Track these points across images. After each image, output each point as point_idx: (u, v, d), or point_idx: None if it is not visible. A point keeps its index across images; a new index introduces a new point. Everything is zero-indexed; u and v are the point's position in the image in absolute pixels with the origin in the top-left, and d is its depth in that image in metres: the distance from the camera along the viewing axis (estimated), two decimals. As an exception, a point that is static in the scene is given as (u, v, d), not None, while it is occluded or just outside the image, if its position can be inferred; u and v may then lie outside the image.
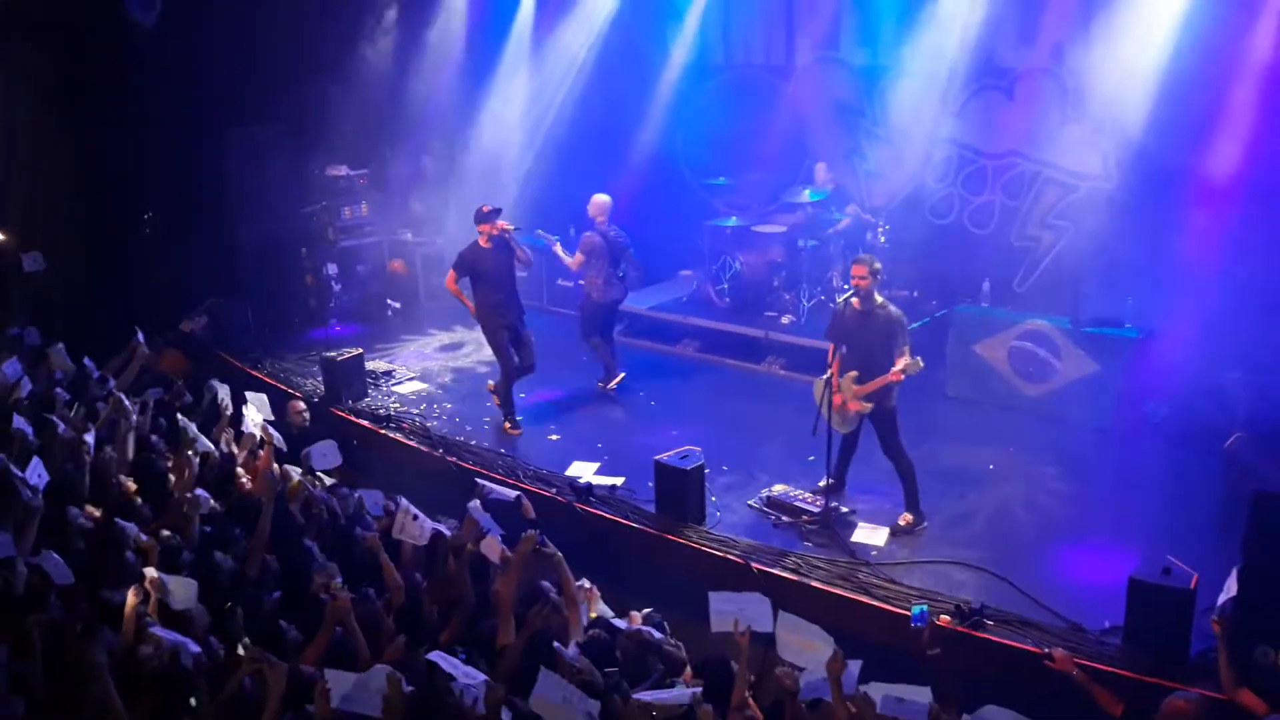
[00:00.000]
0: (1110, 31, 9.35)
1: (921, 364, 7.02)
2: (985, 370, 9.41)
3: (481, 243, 8.93)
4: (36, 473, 6.20)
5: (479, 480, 7.10)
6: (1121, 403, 8.61)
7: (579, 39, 12.56)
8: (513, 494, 6.85)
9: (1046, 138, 10.27)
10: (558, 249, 10.22)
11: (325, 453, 7.27)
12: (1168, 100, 8.93)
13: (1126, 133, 9.41)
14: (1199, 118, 8.74)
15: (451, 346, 11.55)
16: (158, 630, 4.51)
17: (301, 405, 8.79)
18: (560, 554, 5.70)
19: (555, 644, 4.83)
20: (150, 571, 5.22)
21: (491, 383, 9.60)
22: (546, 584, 5.56)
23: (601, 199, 9.95)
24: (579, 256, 9.94)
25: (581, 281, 10.39)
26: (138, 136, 11.05)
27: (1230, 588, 5.39)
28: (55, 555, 5.37)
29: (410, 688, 4.19)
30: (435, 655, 4.50)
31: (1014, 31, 10.15)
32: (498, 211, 8.98)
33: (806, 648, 4.88)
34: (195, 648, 4.54)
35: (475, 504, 6.16)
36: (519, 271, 9.28)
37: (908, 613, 6.00)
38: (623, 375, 10.09)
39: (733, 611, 4.95)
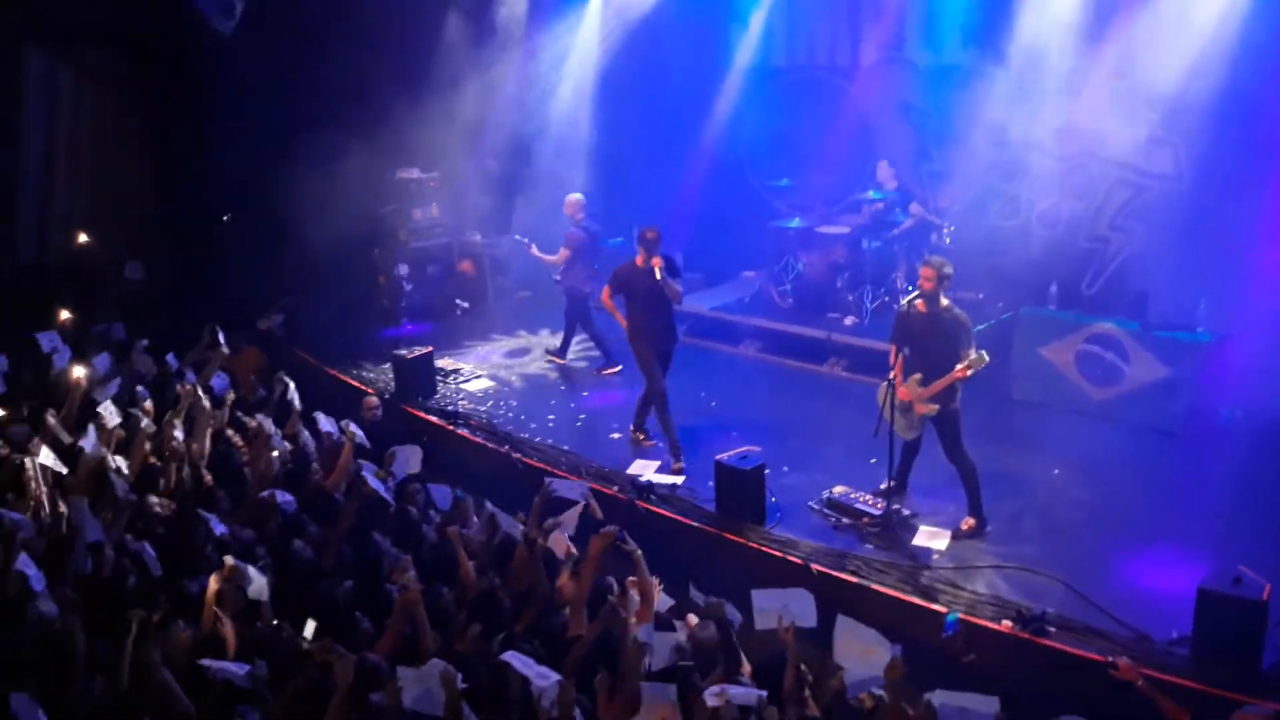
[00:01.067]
0: (1180, 29, 9.17)
1: (987, 358, 6.96)
2: (1052, 374, 9.31)
3: (638, 261, 8.43)
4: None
5: (547, 479, 7.22)
6: (1193, 407, 8.46)
7: (644, 42, 12.65)
8: (580, 488, 6.94)
9: (1116, 137, 10.09)
10: (534, 250, 10.61)
11: (408, 457, 7.43)
12: (1240, 97, 8.75)
13: (1198, 131, 9.22)
14: (1273, 115, 8.55)
15: (518, 352, 11.68)
16: (209, 663, 4.59)
17: (374, 400, 9.01)
18: (640, 551, 5.79)
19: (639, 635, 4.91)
20: (229, 560, 5.44)
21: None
22: (609, 579, 5.65)
23: (576, 197, 10.61)
24: (564, 253, 10.38)
25: (557, 277, 10.68)
26: (214, 140, 11.42)
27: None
28: (148, 546, 5.62)
29: (465, 685, 4.29)
30: (509, 655, 4.59)
31: (1083, 30, 9.97)
32: (655, 243, 8.33)
33: (865, 653, 4.90)
34: (243, 670, 4.63)
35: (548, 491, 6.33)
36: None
37: (970, 618, 6.00)
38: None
39: (776, 608, 5.00)
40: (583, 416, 9.75)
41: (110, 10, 11.00)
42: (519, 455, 8.75)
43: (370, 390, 10.03)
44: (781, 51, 12.60)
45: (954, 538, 7.25)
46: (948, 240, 10.80)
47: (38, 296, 10.24)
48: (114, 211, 11.48)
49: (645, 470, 8.44)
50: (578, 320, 10.84)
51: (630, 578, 5.69)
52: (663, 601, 5.88)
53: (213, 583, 5.23)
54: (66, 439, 7.05)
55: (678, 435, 8.48)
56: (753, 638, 5.31)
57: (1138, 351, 8.84)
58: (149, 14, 10.94)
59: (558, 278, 10.69)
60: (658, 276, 8.24)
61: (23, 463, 6.32)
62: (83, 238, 11.12)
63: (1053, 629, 6.05)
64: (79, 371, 7.76)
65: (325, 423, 7.96)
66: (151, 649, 4.52)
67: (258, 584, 5.39)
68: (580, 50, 13.06)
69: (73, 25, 10.97)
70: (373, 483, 6.57)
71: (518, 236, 11.00)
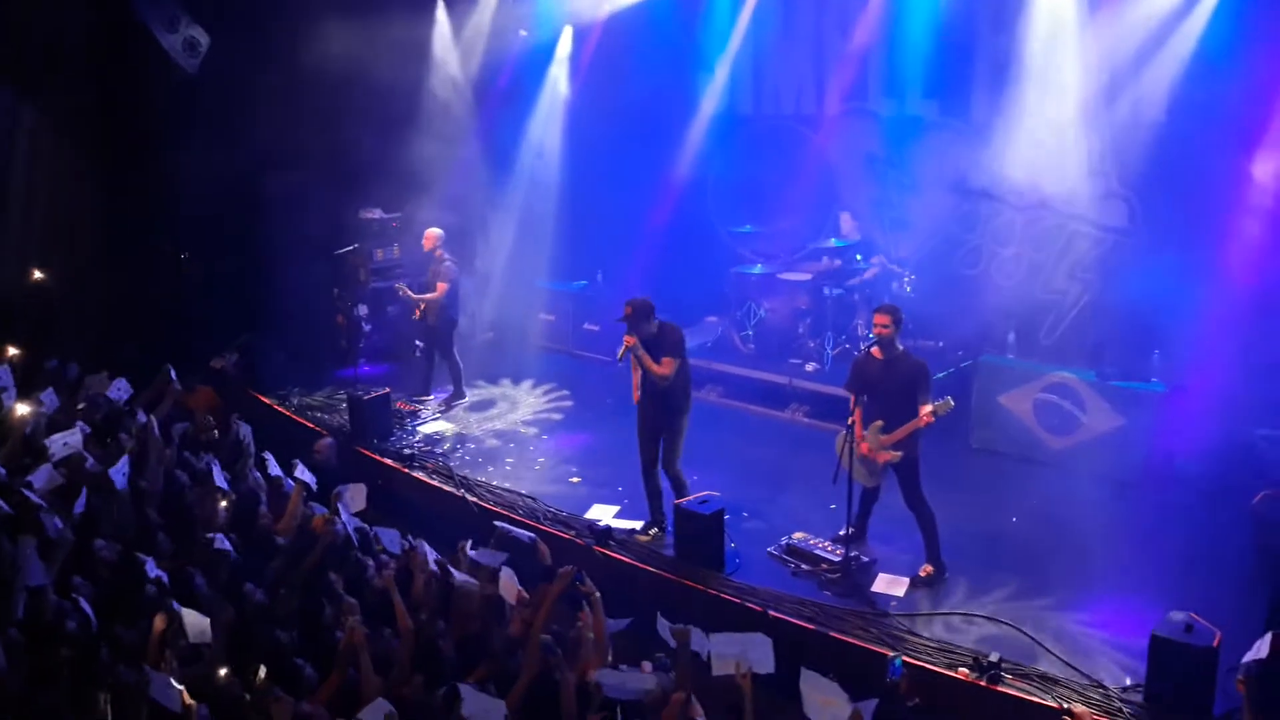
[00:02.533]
0: (1136, 88, 9.40)
1: (952, 403, 7.01)
2: (1010, 422, 9.36)
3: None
4: (79, 504, 6.34)
5: (496, 522, 7.14)
6: (1147, 457, 8.52)
7: (613, 86, 12.77)
8: (529, 535, 6.87)
9: (1074, 190, 10.26)
10: (407, 292, 10.83)
11: (355, 495, 7.34)
12: (1188, 154, 8.97)
13: (1150, 186, 9.42)
14: (1219, 171, 8.75)
15: (481, 401, 11.59)
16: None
17: (326, 442, 8.88)
18: (598, 593, 5.71)
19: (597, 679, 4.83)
20: (174, 605, 5.30)
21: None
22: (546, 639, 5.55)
23: (437, 231, 10.89)
24: (442, 287, 10.60)
25: (422, 309, 10.78)
26: (175, 178, 11.32)
27: (1260, 649, 5.29)
28: (83, 601, 5.46)
29: None
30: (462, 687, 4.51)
31: (1043, 85, 10.17)
32: (630, 319, 7.69)
33: (826, 705, 4.85)
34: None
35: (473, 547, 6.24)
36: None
37: (926, 665, 5.95)
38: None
39: (734, 654, 4.94)
40: (541, 460, 9.66)
41: (76, 49, 10.93)
42: (474, 499, 8.64)
43: (324, 431, 9.90)
44: (747, 100, 12.76)
45: (912, 584, 7.25)
46: (908, 289, 10.90)
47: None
48: (71, 248, 11.31)
49: (604, 515, 8.37)
50: (440, 350, 11.03)
51: (579, 622, 5.60)
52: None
53: (157, 623, 5.10)
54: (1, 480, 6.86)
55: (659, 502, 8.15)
56: (715, 683, 5.24)
57: (1094, 401, 8.92)
58: (114, 53, 10.88)
59: (419, 314, 10.83)
60: (619, 355, 7.70)
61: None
62: (37, 274, 10.95)
63: (1008, 676, 6.03)
64: (22, 409, 7.59)
65: (274, 466, 7.82)
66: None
67: (198, 626, 5.25)
68: (549, 94, 13.14)
69: (37, 63, 10.88)
70: (344, 525, 6.47)
71: (396, 285, 11.11)
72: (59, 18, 10.74)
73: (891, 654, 5.92)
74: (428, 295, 10.71)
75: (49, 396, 8.16)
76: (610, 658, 5.66)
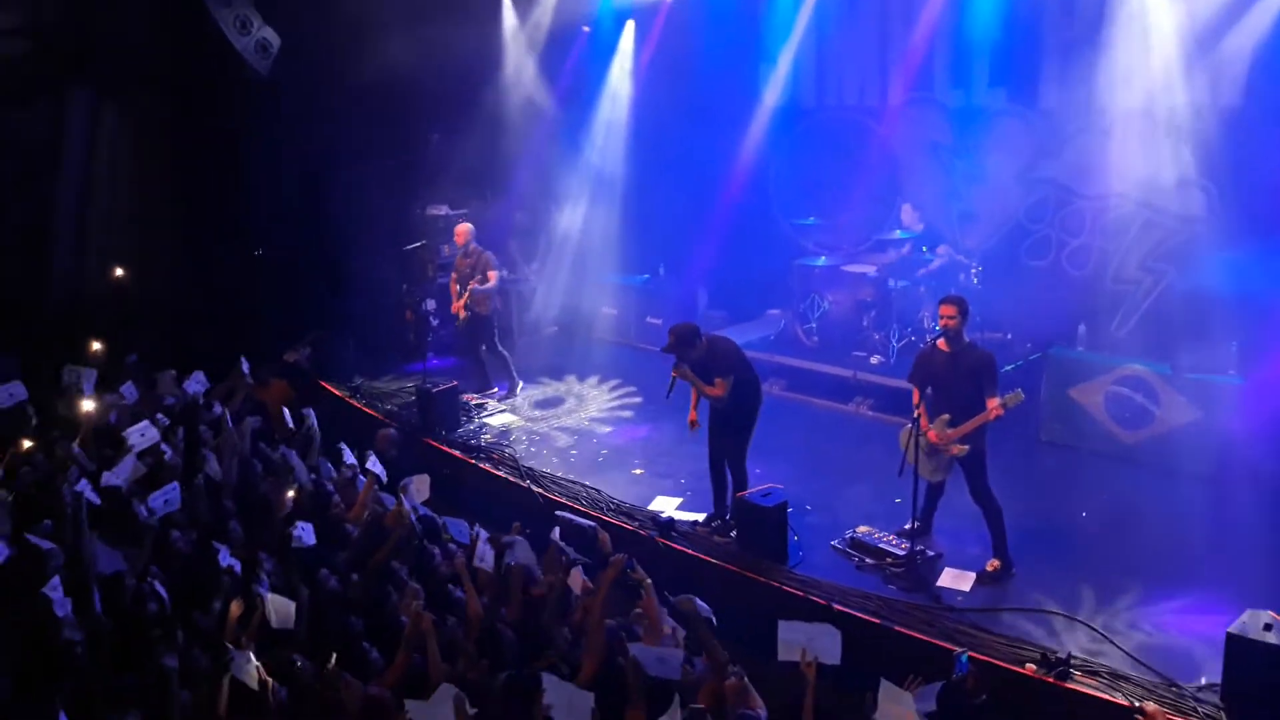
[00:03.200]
0: (1214, 72, 9.15)
1: (1022, 396, 6.92)
2: (1080, 415, 9.19)
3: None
4: (164, 498, 6.58)
5: (558, 512, 7.22)
6: (1224, 451, 8.29)
7: (675, 79, 12.79)
8: (590, 524, 6.94)
9: (1147, 178, 10.04)
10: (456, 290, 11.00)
11: (419, 485, 7.50)
12: (1273, 140, 8.70)
13: (1230, 173, 9.16)
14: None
15: (546, 397, 11.71)
16: None
17: (390, 433, 9.07)
18: (649, 580, 5.78)
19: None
20: (258, 589, 5.47)
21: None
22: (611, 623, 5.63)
23: (468, 226, 11.03)
24: (493, 275, 10.80)
25: (470, 301, 10.84)
26: (249, 178, 11.63)
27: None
28: (158, 584, 5.66)
29: (474, 711, 4.27)
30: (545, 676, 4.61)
31: (1112, 72, 9.96)
32: (673, 347, 7.58)
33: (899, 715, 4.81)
34: None
35: (556, 534, 6.29)
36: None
37: (994, 660, 5.89)
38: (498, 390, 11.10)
39: (801, 641, 4.94)
40: (604, 452, 9.73)
41: (152, 52, 11.26)
42: (540, 490, 8.74)
43: (390, 423, 10.09)
44: (810, 91, 12.66)
45: (979, 580, 7.15)
46: (975, 280, 10.76)
47: (72, 329, 10.42)
48: (148, 246, 11.67)
49: (667, 507, 8.40)
50: (487, 343, 11.17)
51: (636, 609, 5.67)
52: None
53: (234, 608, 5.27)
54: (91, 469, 7.14)
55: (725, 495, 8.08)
56: (773, 672, 5.25)
57: (1168, 394, 8.72)
58: (191, 56, 11.19)
59: (467, 312, 10.88)
60: (668, 390, 7.63)
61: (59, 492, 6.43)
62: (119, 272, 11.33)
63: (1077, 673, 5.92)
64: (88, 405, 7.88)
65: (349, 455, 8.01)
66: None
67: (284, 611, 5.42)
68: (612, 88, 13.21)
69: (114, 66, 11.24)
70: (412, 512, 6.61)
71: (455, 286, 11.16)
72: (136, 22, 11.08)
73: (958, 650, 5.86)
74: (485, 286, 10.83)
75: (129, 390, 8.44)
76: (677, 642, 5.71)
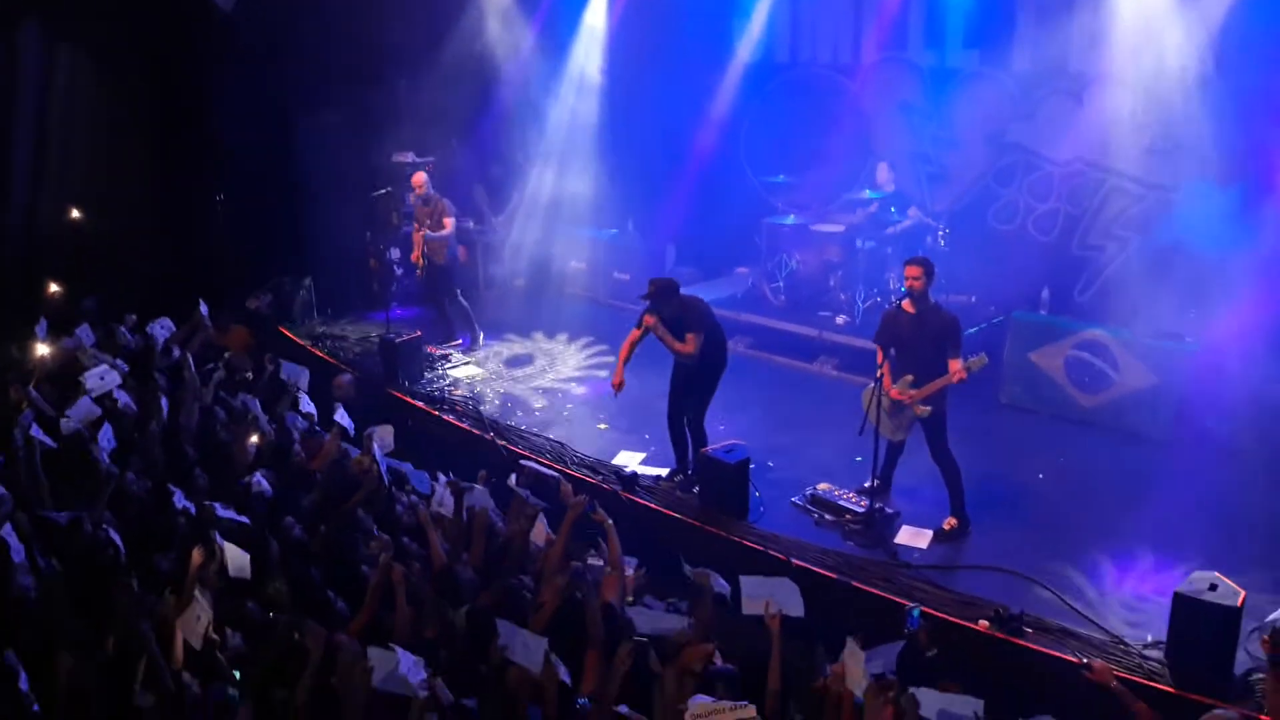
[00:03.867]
0: (1185, 38, 9.19)
1: (985, 360, 7.00)
2: (1041, 378, 9.31)
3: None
4: (106, 438, 6.49)
5: (523, 461, 7.24)
6: (1180, 416, 8.46)
7: (649, 32, 12.64)
8: (554, 473, 6.98)
9: (1114, 145, 10.10)
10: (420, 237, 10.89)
11: (384, 435, 7.46)
12: (1240, 109, 8.77)
13: (1197, 141, 9.24)
14: (1271, 124, 8.59)
15: (508, 342, 11.65)
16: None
17: (346, 378, 8.99)
18: (610, 521, 5.83)
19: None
20: (214, 536, 5.43)
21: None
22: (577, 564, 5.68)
23: (424, 176, 10.95)
24: (449, 221, 10.74)
25: (427, 250, 10.82)
26: (211, 119, 11.37)
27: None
28: (112, 531, 5.60)
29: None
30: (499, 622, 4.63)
31: (1084, 36, 9.98)
32: (651, 297, 7.67)
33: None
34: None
35: (513, 480, 6.34)
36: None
37: (947, 616, 6.00)
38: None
39: (764, 595, 5.01)
40: (570, 406, 9.73)
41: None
42: (503, 443, 8.73)
43: (347, 369, 10.02)
44: (784, 47, 12.54)
45: (936, 537, 7.26)
46: (942, 242, 10.80)
47: (27, 271, 10.20)
48: (107, 188, 11.40)
49: (630, 461, 8.44)
50: (447, 293, 11.13)
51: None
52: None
53: (195, 557, 5.23)
54: (49, 413, 7.02)
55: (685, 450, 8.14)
56: (736, 626, 5.32)
57: (1127, 359, 8.84)
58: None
59: (420, 259, 10.90)
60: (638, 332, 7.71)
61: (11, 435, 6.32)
62: (75, 213, 11.07)
63: (1029, 630, 6.05)
64: (42, 348, 7.74)
65: (307, 403, 7.94)
66: (139, 620, 4.52)
67: (239, 561, 5.38)
68: (584, 39, 13.03)
69: (70, 1, 10.91)
70: (381, 464, 6.59)
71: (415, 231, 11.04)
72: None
73: (910, 605, 5.96)
74: (439, 233, 10.74)
75: (85, 332, 8.29)
76: (629, 588, 5.78)
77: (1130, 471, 8.09)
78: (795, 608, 5.03)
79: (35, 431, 6.33)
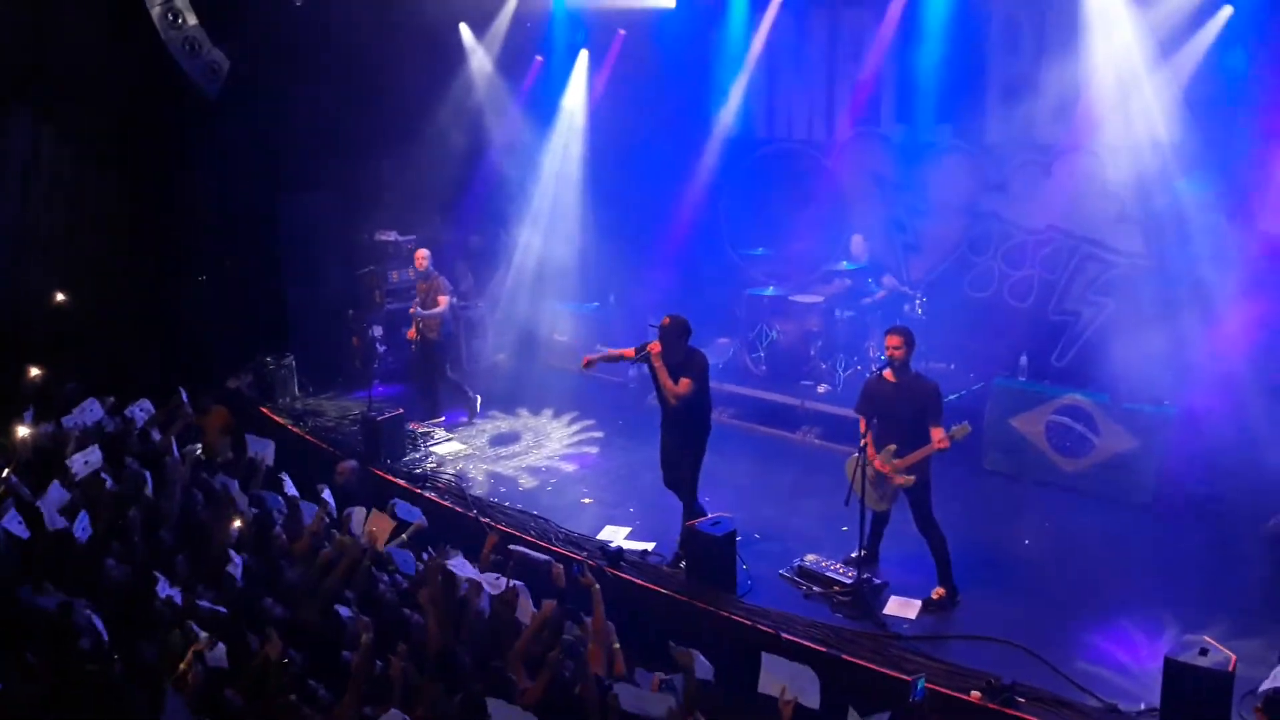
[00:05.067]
0: (1145, 111, 9.45)
1: (969, 428, 7.02)
2: (1022, 444, 9.36)
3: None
4: (81, 526, 6.41)
5: (511, 545, 7.19)
6: (1161, 480, 8.51)
7: (627, 110, 12.89)
8: (544, 558, 6.92)
9: (1085, 213, 10.32)
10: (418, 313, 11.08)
11: (360, 516, 7.42)
12: (1201, 174, 9.01)
13: (1164, 208, 9.45)
14: (1236, 190, 8.80)
15: (490, 418, 11.64)
16: None
17: (349, 465, 8.96)
18: (597, 585, 5.77)
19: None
20: (192, 626, 5.34)
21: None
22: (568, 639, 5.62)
23: (426, 251, 11.19)
24: (444, 300, 10.92)
25: (420, 328, 11.01)
26: (192, 200, 11.46)
27: (1278, 676, 5.28)
28: (95, 618, 5.50)
29: None
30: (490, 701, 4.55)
31: (1051, 108, 10.24)
32: (660, 329, 7.72)
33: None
34: None
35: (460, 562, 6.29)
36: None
37: (939, 688, 5.93)
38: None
39: (783, 678, 4.97)
40: (554, 481, 9.69)
41: (96, 71, 11.07)
42: (487, 520, 8.66)
43: (338, 453, 9.96)
44: (761, 123, 12.83)
45: (925, 607, 7.22)
46: (920, 311, 10.93)
47: (9, 355, 10.15)
48: (89, 269, 11.42)
49: (616, 537, 8.38)
50: (438, 370, 11.21)
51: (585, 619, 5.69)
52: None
53: (190, 654, 5.15)
54: (28, 497, 6.93)
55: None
56: (730, 706, 5.26)
57: (1107, 423, 8.91)
58: (135, 75, 11.02)
59: (415, 335, 11.03)
60: (637, 352, 7.74)
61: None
62: (60, 297, 11.07)
63: (1022, 700, 5.98)
64: (23, 431, 7.68)
65: (290, 485, 7.88)
66: None
67: (216, 652, 5.30)
68: (565, 118, 13.29)
69: (58, 84, 11.04)
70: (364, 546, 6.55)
71: (412, 311, 11.22)
72: (82, 41, 10.90)
73: (915, 676, 5.88)
74: (433, 310, 10.86)
75: (76, 417, 8.22)
76: (618, 659, 5.70)
77: (1115, 536, 8.10)
78: (811, 698, 5.00)
79: (9, 520, 6.24)
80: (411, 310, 11.14)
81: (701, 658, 5.54)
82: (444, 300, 10.92)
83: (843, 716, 4.95)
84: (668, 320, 7.64)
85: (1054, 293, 10.71)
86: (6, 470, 7.18)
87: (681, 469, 7.89)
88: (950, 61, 10.88)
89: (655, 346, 7.65)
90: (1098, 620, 6.91)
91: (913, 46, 11.10)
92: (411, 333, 11.05)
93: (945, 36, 10.84)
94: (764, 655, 5.16)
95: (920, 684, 5.65)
